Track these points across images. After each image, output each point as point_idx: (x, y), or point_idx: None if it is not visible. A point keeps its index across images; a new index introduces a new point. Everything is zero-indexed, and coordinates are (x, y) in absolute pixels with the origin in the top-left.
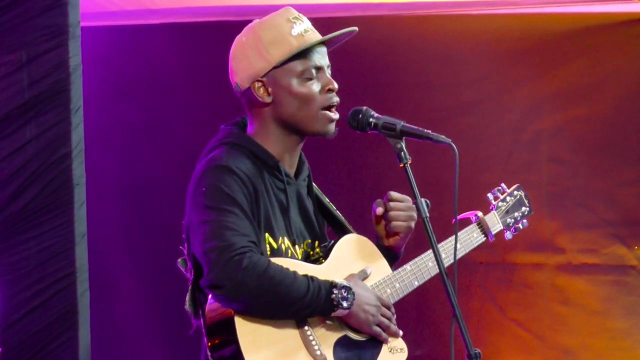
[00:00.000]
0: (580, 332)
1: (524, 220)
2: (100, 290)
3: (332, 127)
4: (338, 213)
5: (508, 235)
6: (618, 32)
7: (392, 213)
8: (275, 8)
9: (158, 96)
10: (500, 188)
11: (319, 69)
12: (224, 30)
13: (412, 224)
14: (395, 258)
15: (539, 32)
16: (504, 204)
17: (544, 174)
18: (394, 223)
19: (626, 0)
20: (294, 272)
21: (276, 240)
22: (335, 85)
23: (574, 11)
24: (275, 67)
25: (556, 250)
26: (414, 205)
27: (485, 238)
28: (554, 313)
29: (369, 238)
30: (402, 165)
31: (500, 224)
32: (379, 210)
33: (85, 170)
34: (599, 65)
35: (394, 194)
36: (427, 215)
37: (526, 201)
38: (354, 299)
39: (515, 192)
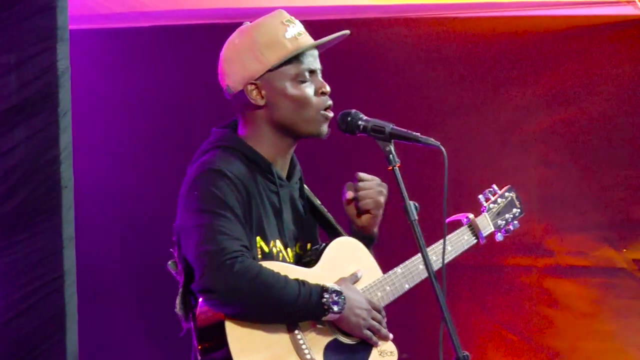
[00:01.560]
0: (568, 334)
1: (515, 222)
2: (88, 293)
3: (325, 128)
4: (329, 215)
5: (499, 237)
6: (607, 34)
7: (362, 192)
8: (266, 10)
9: (148, 99)
10: (491, 189)
11: (312, 72)
12: (215, 33)
13: (382, 199)
14: (369, 240)
15: (528, 35)
16: (496, 205)
17: (533, 177)
18: (364, 201)
19: (616, 3)
20: (285, 277)
21: (268, 244)
22: (328, 89)
23: (564, 14)
24: (269, 70)
25: (545, 253)
26: (384, 183)
27: (476, 240)
28: (543, 315)
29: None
30: (391, 168)
31: (492, 226)
32: (349, 193)
33: (74, 173)
34: (588, 68)
35: (362, 174)
36: (416, 218)
37: (517, 202)
38: (344, 303)
39: (507, 194)
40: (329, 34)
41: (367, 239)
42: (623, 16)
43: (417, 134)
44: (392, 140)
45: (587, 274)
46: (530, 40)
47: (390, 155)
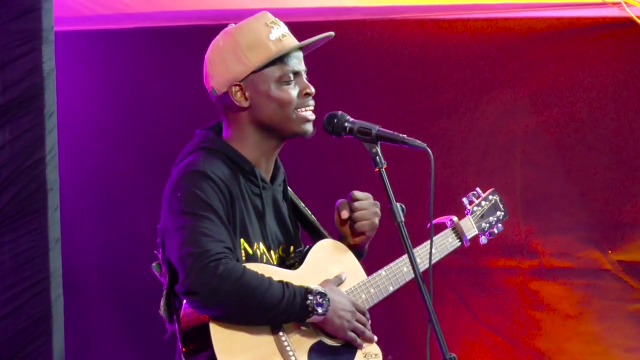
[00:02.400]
0: (554, 336)
1: (499, 225)
2: (74, 295)
3: (309, 126)
4: (313, 218)
5: (483, 239)
6: (591, 36)
7: (357, 213)
8: (250, 12)
9: (133, 101)
10: (475, 192)
11: (296, 73)
12: (200, 35)
13: (377, 221)
14: (360, 255)
15: (513, 37)
16: (479, 208)
17: (518, 178)
18: (360, 222)
19: (600, 4)
20: (269, 279)
21: (251, 246)
22: (312, 90)
23: (548, 15)
24: (253, 72)
25: (530, 254)
26: (376, 201)
27: (460, 243)
28: (528, 317)
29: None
30: (377, 169)
31: (475, 229)
32: (344, 213)
33: (60, 175)
34: (573, 70)
35: (357, 194)
36: (403, 219)
37: (501, 205)
38: (329, 305)
39: (490, 197)
40: (314, 36)
41: (357, 254)
42: (608, 18)
43: (403, 135)
44: (379, 142)
45: (572, 276)
46: (515, 42)
47: (377, 157)
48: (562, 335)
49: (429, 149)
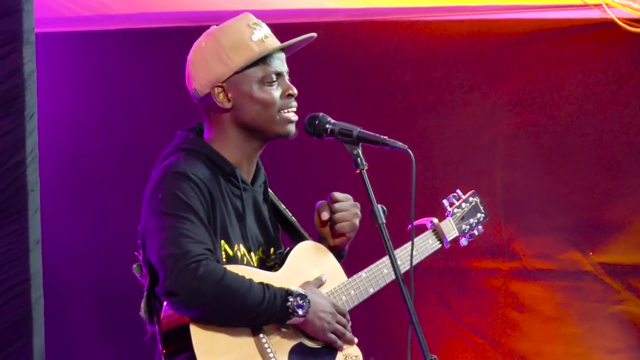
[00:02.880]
0: (535, 337)
1: (479, 227)
2: (54, 296)
3: (292, 127)
4: (294, 219)
5: (463, 241)
6: (573, 37)
7: (338, 214)
8: (232, 14)
9: (115, 103)
10: (455, 194)
11: (278, 74)
12: (181, 36)
13: (357, 222)
14: (340, 257)
15: (494, 38)
16: (460, 210)
17: (499, 180)
18: (341, 224)
19: (581, 6)
20: (250, 280)
21: (232, 247)
22: (295, 91)
23: (529, 17)
24: (235, 73)
25: (511, 256)
26: (357, 203)
27: (440, 245)
28: (509, 319)
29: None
30: (358, 171)
31: (456, 231)
32: (325, 214)
33: (40, 177)
34: (554, 71)
35: (337, 195)
36: (384, 221)
37: (481, 207)
38: (309, 307)
39: (471, 199)
40: (295, 37)
41: (337, 256)
42: (590, 19)
43: (384, 137)
44: (360, 144)
45: (553, 277)
46: (496, 44)
47: (358, 159)
48: (543, 336)
49: (409, 151)
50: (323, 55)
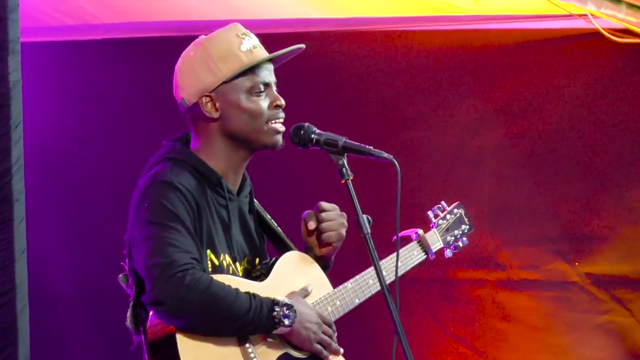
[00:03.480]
0: (521, 348)
1: (464, 239)
2: (40, 306)
3: (279, 138)
4: (279, 230)
5: (448, 253)
6: (559, 48)
7: (324, 224)
8: (218, 23)
9: (100, 112)
10: (440, 206)
11: (267, 85)
12: (166, 46)
13: (344, 232)
14: (326, 267)
15: (480, 48)
16: (444, 221)
17: (485, 190)
18: (327, 234)
19: (566, 16)
20: (236, 290)
21: (218, 257)
22: (283, 102)
23: (515, 27)
24: (224, 82)
25: (497, 266)
26: (343, 212)
27: (425, 256)
28: (496, 329)
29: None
30: (344, 181)
31: (441, 242)
32: (311, 224)
33: (25, 186)
34: (540, 82)
35: (324, 204)
36: (369, 231)
37: (466, 219)
38: (295, 317)
39: (456, 210)
40: (284, 48)
41: (323, 266)
42: (575, 29)
43: (370, 147)
44: (345, 154)
45: (540, 288)
46: (482, 54)
47: (343, 169)
48: (530, 347)
49: (395, 161)
50: (309, 65)
